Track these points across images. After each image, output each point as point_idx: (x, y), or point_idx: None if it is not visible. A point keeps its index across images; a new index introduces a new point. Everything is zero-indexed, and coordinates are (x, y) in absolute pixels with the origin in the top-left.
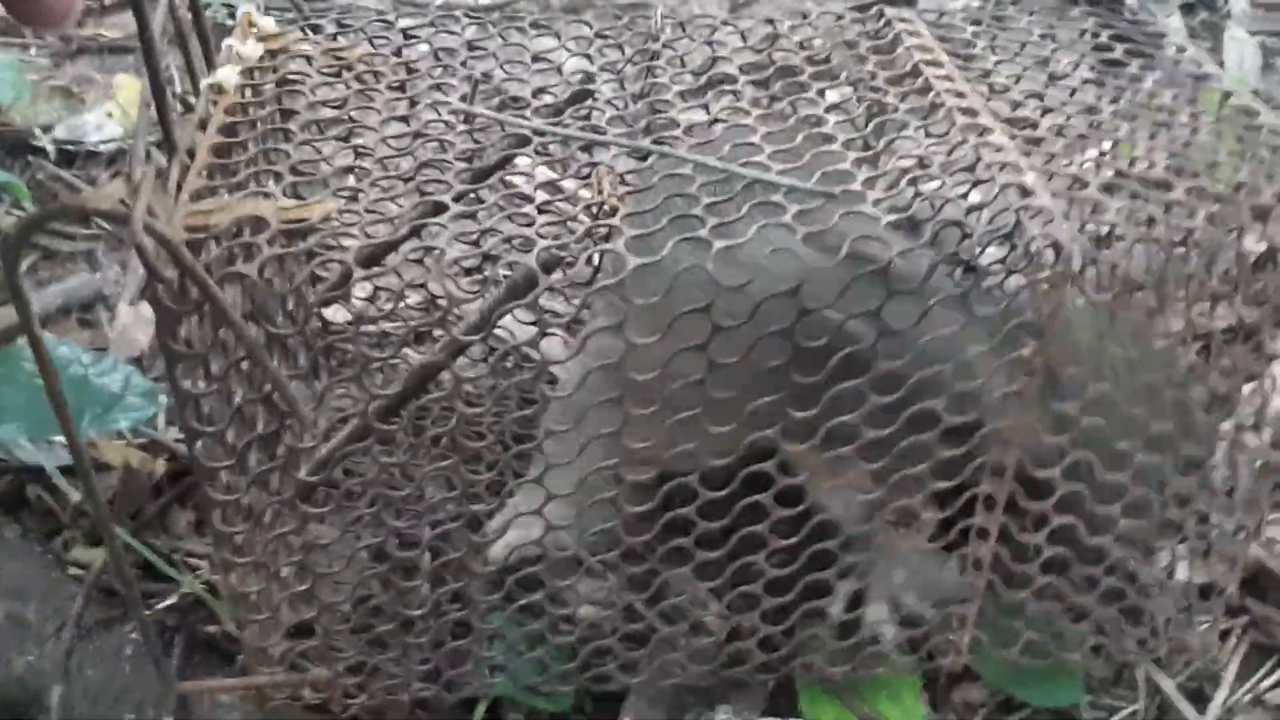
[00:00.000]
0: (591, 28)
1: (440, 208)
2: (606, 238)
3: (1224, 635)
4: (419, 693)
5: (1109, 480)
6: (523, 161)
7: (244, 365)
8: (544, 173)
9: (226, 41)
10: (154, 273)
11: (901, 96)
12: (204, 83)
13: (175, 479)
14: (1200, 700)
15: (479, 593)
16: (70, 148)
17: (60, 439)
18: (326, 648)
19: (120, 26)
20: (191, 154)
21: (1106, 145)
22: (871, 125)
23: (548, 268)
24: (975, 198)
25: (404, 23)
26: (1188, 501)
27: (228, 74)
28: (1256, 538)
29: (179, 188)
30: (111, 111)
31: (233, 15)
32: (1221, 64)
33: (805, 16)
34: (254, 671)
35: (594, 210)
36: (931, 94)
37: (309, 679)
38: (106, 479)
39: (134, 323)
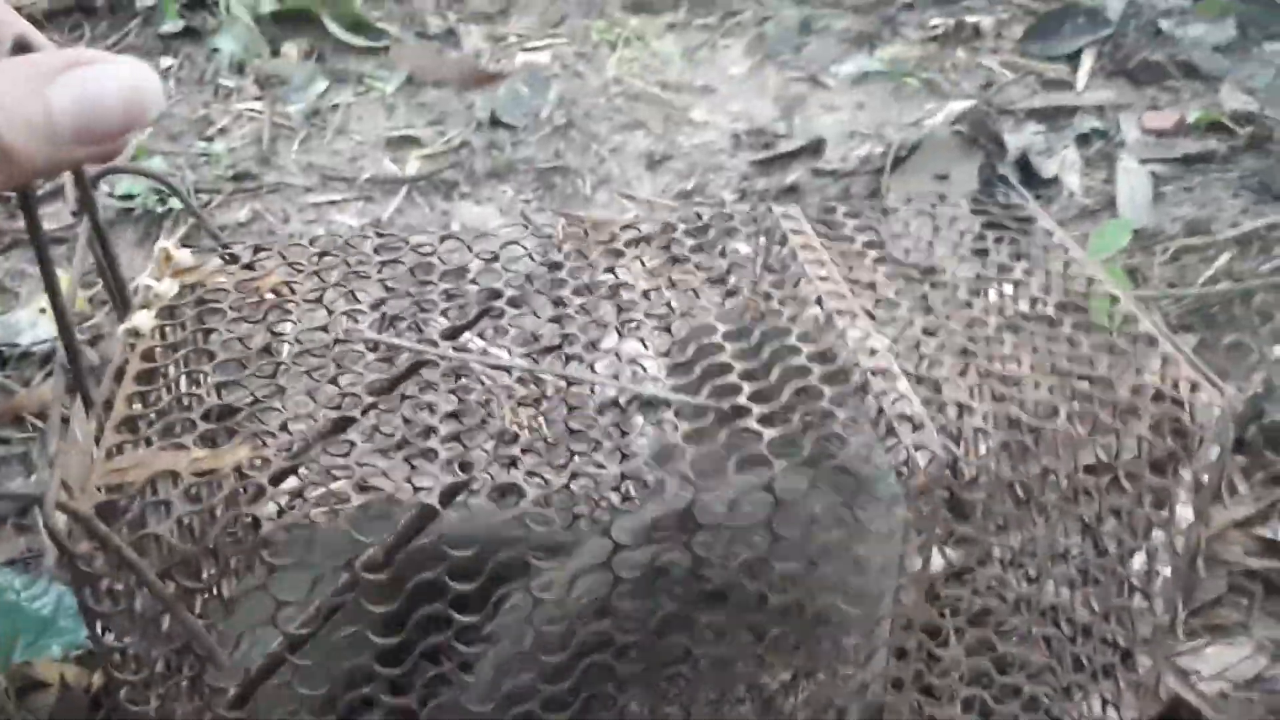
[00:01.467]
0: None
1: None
2: (512, 464)
3: None
4: None
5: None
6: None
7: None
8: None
9: (143, 280)
10: (65, 550)
11: (783, 302)
12: (120, 329)
13: (113, 690)
14: None
15: None
16: (3, 349)
17: None
18: None
19: (54, 217)
20: (109, 405)
21: (978, 347)
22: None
23: (445, 501)
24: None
25: (319, 243)
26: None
27: (143, 319)
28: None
29: (96, 442)
30: (44, 308)
31: (163, 201)
32: (1114, 198)
33: (700, 217)
34: None
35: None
36: (814, 302)
37: None
38: (43, 697)
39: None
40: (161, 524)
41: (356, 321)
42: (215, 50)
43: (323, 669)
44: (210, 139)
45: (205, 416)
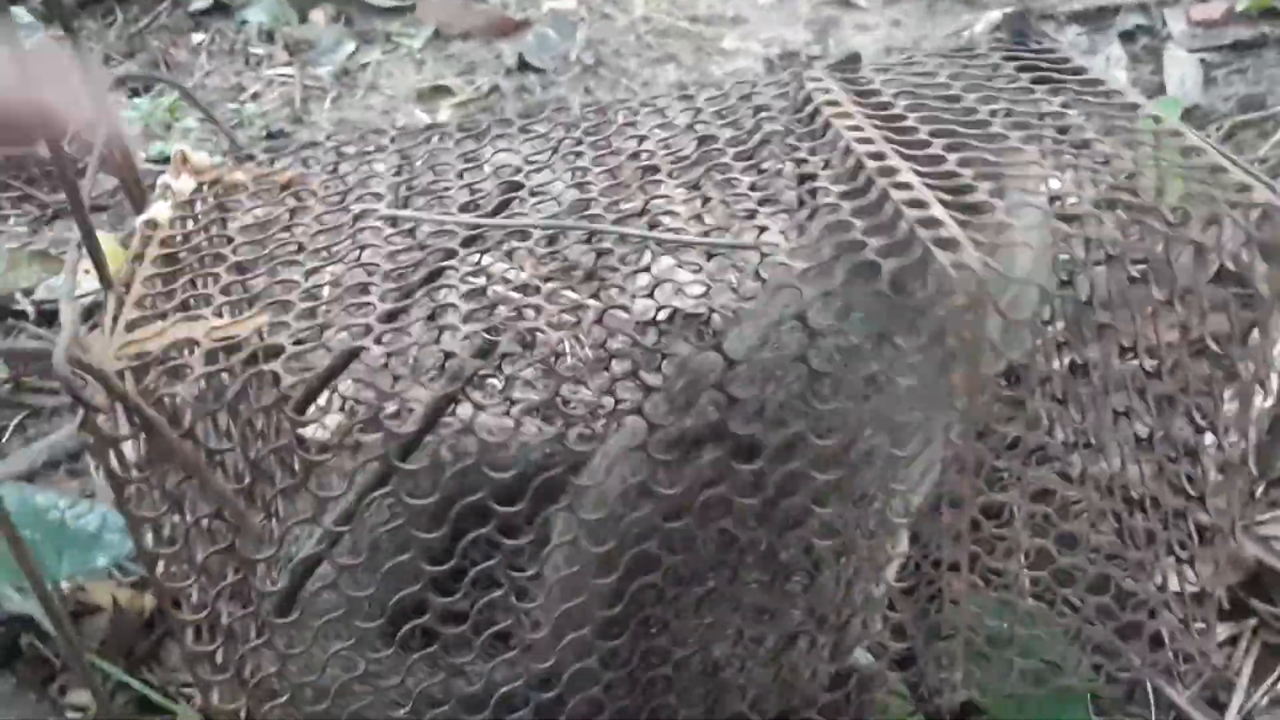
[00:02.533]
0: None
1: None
2: (535, 313)
3: (1234, 640)
4: None
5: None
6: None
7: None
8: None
9: (162, 179)
10: (80, 400)
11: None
12: (138, 220)
13: (166, 613)
14: (1217, 708)
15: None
16: (50, 308)
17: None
18: None
19: (94, 186)
20: (128, 286)
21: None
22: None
23: (483, 354)
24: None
25: (334, 141)
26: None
27: (160, 209)
28: (1234, 537)
29: (114, 320)
30: (88, 269)
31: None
32: (1163, 86)
33: (720, 88)
34: None
35: (519, 289)
36: (843, 145)
37: None
38: (97, 620)
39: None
40: (181, 385)
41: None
42: (244, 22)
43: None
44: (243, 103)
45: (224, 290)
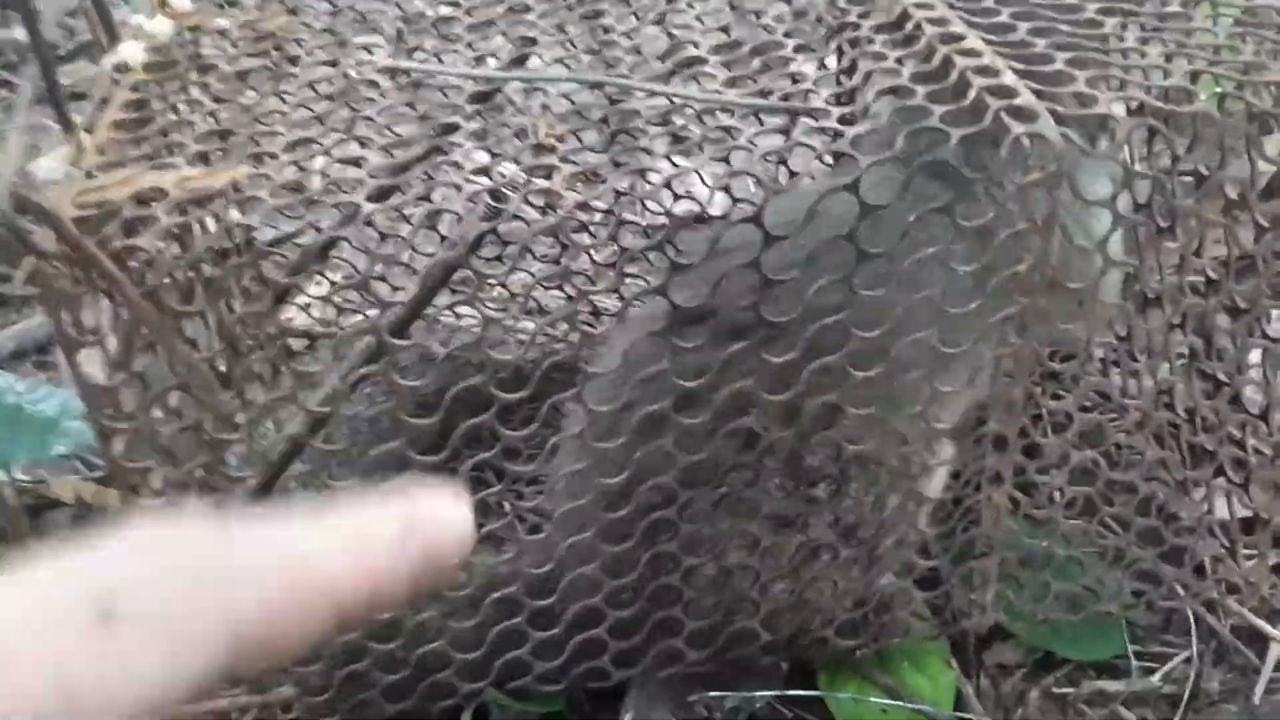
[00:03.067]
0: None
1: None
2: (547, 176)
3: (1277, 570)
4: (392, 711)
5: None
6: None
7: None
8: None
9: (135, 18)
10: (24, 242)
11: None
12: (106, 61)
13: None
14: (1258, 641)
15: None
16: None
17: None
18: (292, 664)
19: (73, 73)
20: (90, 132)
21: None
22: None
23: (489, 218)
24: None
25: None
26: (1218, 427)
27: (131, 51)
28: None
29: (73, 164)
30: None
31: None
32: None
33: None
34: (215, 695)
35: (533, 148)
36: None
37: (273, 698)
38: (59, 516)
39: (87, 360)
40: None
41: (370, 54)
42: None
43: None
44: None
45: (199, 141)
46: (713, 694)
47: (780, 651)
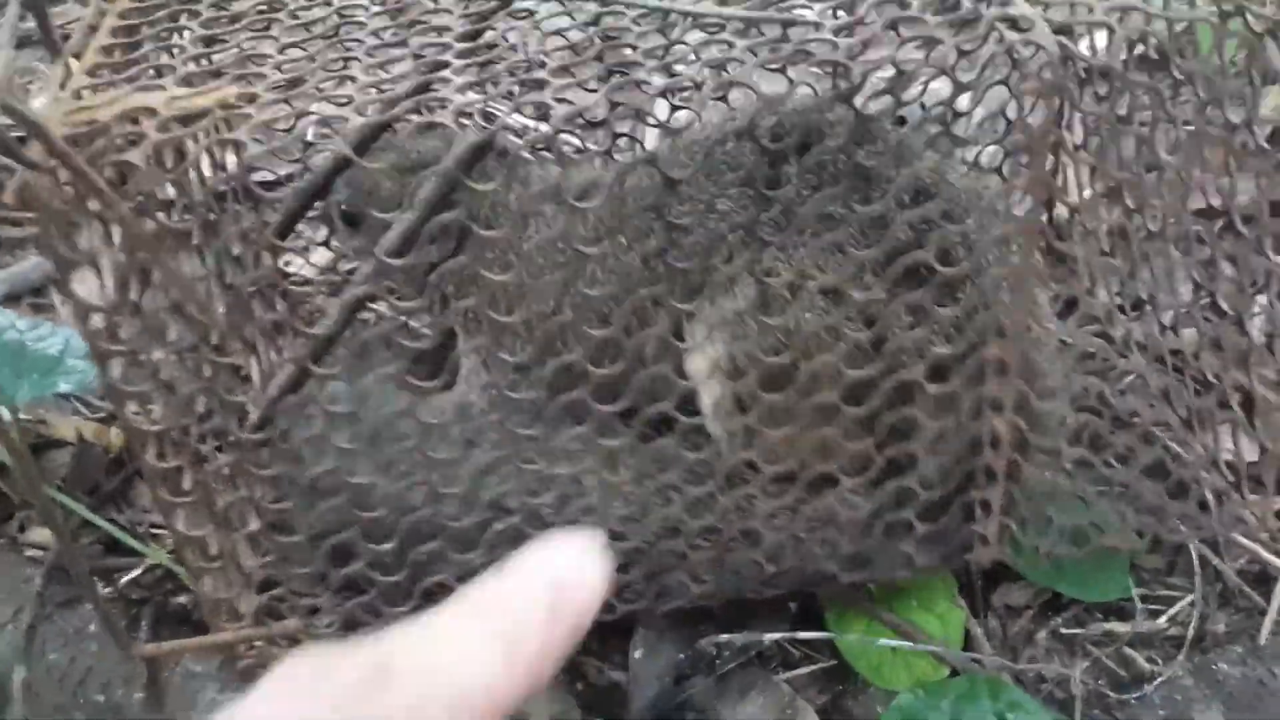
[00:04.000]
0: None
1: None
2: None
3: None
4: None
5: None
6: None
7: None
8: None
9: None
10: (11, 152)
11: None
12: None
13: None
14: (1264, 584)
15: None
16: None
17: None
18: (297, 598)
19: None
20: (79, 56)
21: None
22: None
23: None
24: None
25: None
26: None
27: None
28: None
29: (62, 87)
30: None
31: None
32: None
33: None
34: (218, 628)
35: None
36: None
37: (278, 631)
38: (60, 455)
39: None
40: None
41: None
42: None
43: None
44: None
45: (188, 63)
46: (722, 635)
47: (778, 584)
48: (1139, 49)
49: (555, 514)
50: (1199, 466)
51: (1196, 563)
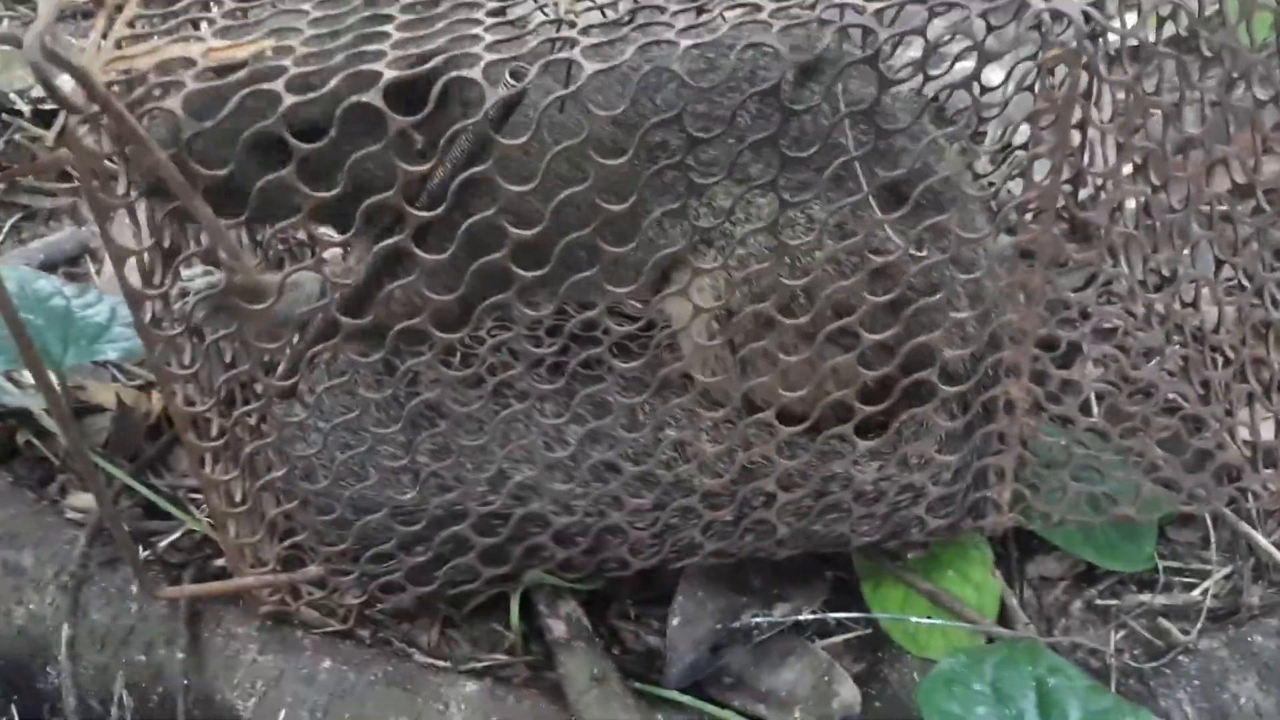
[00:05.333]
0: None
1: None
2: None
3: None
4: (417, 593)
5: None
6: None
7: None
8: None
9: None
10: (52, 91)
11: None
12: None
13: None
14: None
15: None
16: (47, 107)
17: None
18: (320, 544)
19: None
20: (120, 8)
21: None
22: None
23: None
24: None
25: None
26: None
27: None
28: None
29: (103, 37)
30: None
31: None
32: None
33: None
34: (241, 574)
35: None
36: None
37: (300, 577)
38: (99, 420)
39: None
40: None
41: None
42: None
43: None
44: None
45: (227, 16)
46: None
47: (794, 545)
48: (1169, 27)
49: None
50: (1216, 440)
51: (1210, 531)
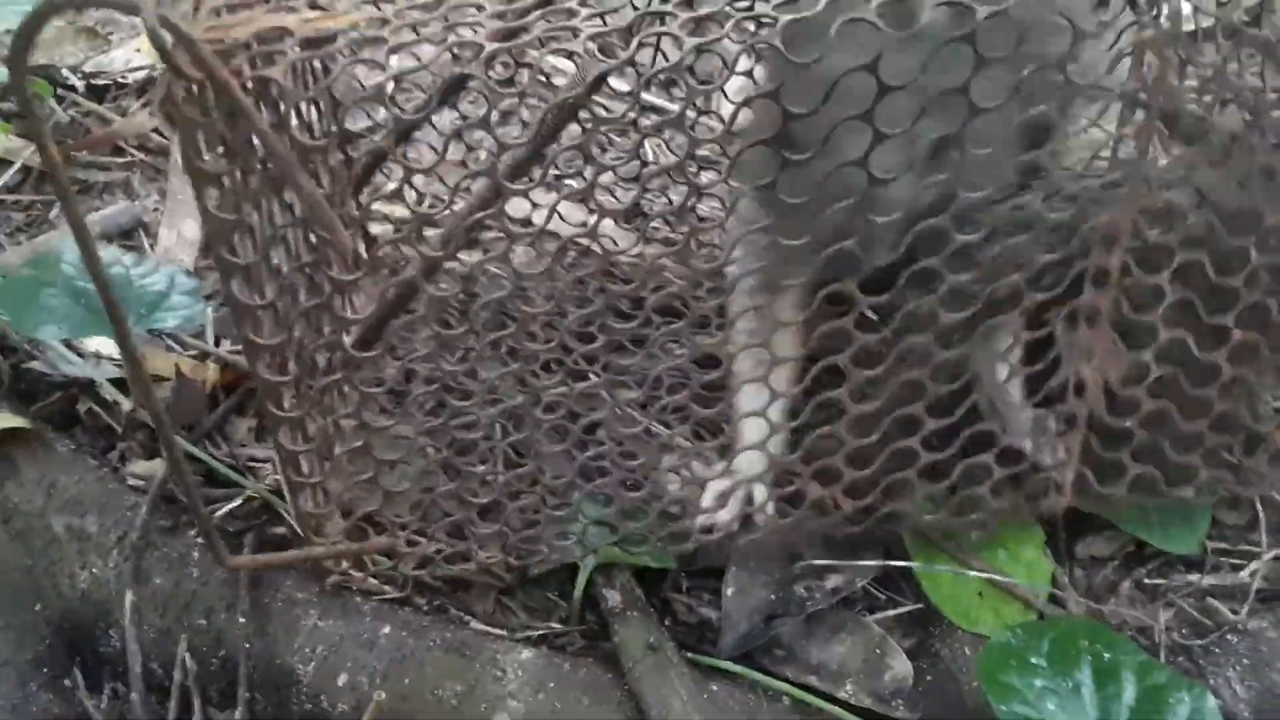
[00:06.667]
0: None
1: None
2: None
3: None
4: (487, 561)
5: (1223, 284)
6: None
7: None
8: None
9: None
10: (164, 55)
11: None
12: None
13: (230, 389)
14: None
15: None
16: (100, 82)
17: (107, 351)
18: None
19: None
20: None
21: None
22: None
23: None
24: None
25: None
26: None
27: None
28: None
29: (197, 7)
30: (140, 48)
31: None
32: None
33: None
34: (310, 544)
35: None
36: None
37: (369, 548)
38: (159, 390)
39: (175, 244)
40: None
41: None
42: None
43: None
44: None
45: None
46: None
47: (859, 522)
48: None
49: None
50: (1271, 421)
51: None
